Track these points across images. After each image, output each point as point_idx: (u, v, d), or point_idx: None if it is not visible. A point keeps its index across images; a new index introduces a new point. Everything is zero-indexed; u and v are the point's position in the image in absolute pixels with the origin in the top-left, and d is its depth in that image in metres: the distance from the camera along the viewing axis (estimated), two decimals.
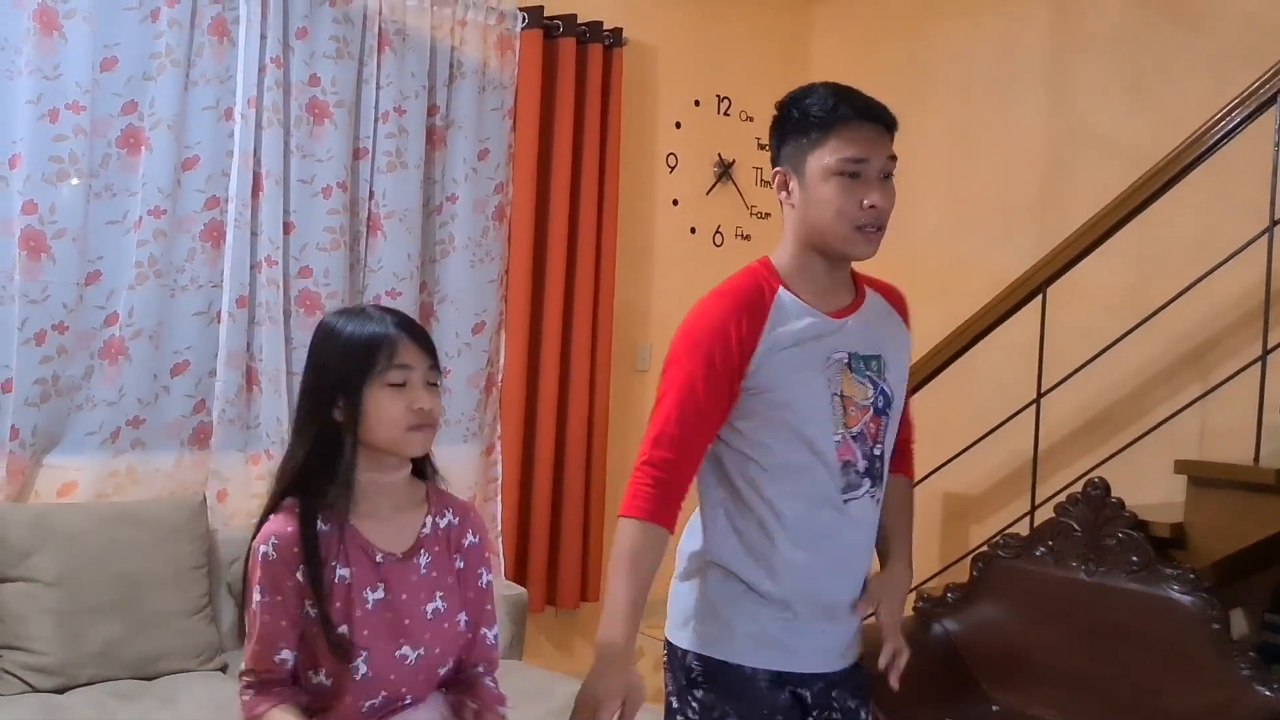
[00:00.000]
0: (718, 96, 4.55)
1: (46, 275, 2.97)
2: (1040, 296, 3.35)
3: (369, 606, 1.54)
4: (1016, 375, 3.64)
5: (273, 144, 3.29)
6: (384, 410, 1.52)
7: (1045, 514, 3.27)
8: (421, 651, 1.57)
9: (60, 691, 2.73)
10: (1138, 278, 3.61)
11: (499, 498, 3.88)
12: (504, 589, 3.47)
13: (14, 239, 2.93)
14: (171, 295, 3.20)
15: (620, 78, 4.09)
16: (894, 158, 1.82)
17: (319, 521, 1.54)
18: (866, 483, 1.82)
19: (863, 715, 1.95)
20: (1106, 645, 3.04)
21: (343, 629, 1.51)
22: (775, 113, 1.86)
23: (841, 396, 1.78)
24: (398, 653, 1.55)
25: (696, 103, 4.48)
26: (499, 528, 3.88)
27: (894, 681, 1.93)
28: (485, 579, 1.69)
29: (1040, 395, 3.39)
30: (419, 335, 1.58)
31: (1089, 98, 3.97)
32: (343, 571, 1.53)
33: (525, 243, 3.86)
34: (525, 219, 3.86)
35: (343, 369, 1.53)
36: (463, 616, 1.63)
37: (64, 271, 3.00)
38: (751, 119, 4.66)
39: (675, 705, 1.86)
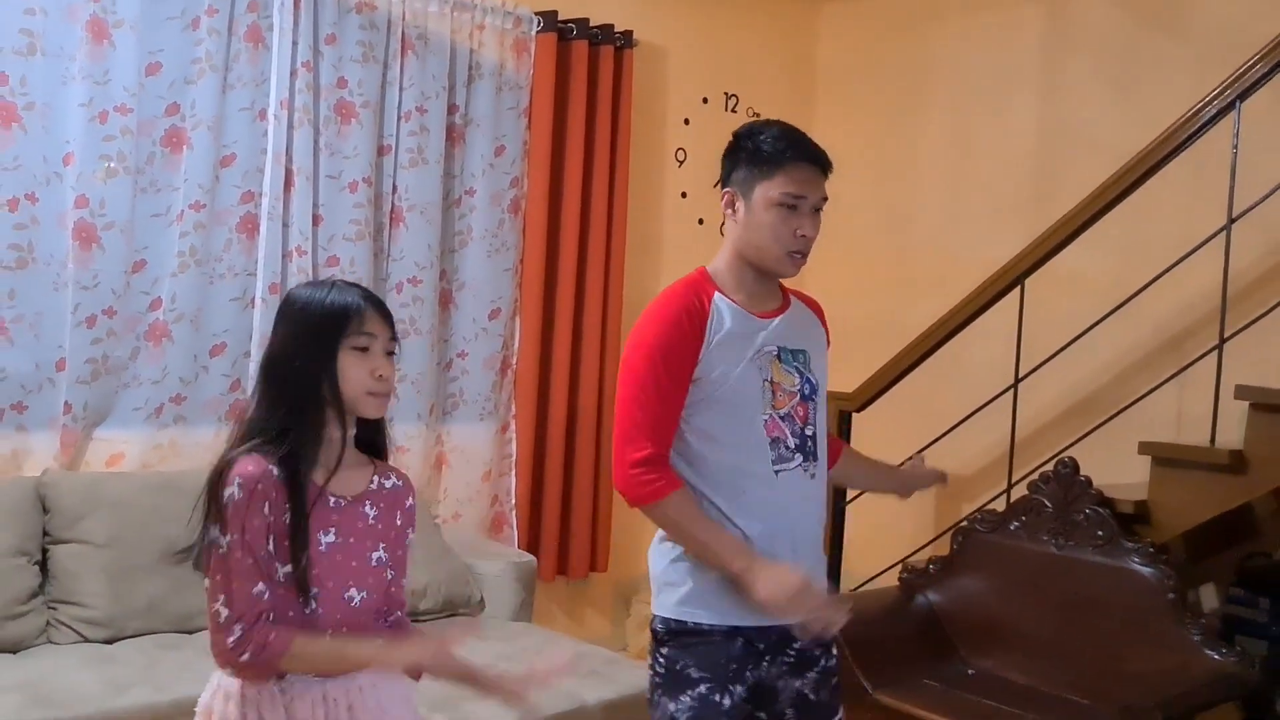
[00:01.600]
0: (725, 94, 4.76)
1: (97, 264, 3.24)
2: (1019, 287, 3.55)
3: (321, 548, 1.68)
4: (1008, 361, 3.83)
5: (303, 142, 3.54)
6: (348, 372, 1.67)
7: (1021, 492, 3.48)
8: (365, 595, 1.72)
9: (109, 642, 3.00)
10: (1121, 269, 3.79)
11: (513, 473, 4.13)
12: (514, 557, 3.72)
13: (67, 231, 3.20)
14: (210, 282, 3.46)
15: (631, 77, 4.31)
16: (826, 198, 2.10)
17: (282, 466, 1.65)
18: (798, 457, 2.07)
19: (824, 661, 2.16)
20: (1074, 613, 3.25)
21: (302, 568, 1.62)
22: (731, 140, 2.12)
23: (771, 382, 2.05)
24: (345, 594, 1.70)
25: (705, 100, 4.70)
26: (513, 501, 4.14)
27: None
28: (411, 538, 1.85)
29: (1018, 380, 3.60)
30: (381, 308, 1.74)
31: (1079, 98, 4.15)
32: (287, 517, 1.64)
33: (539, 234, 4.10)
34: (539, 211, 4.09)
35: (317, 333, 1.67)
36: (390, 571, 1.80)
37: (113, 260, 3.27)
38: (758, 115, 4.85)
39: (650, 663, 2.11)
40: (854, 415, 3.94)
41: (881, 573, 3.98)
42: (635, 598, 4.44)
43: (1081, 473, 3.29)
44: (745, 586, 1.94)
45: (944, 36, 4.61)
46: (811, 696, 2.15)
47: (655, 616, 2.10)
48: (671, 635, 2.05)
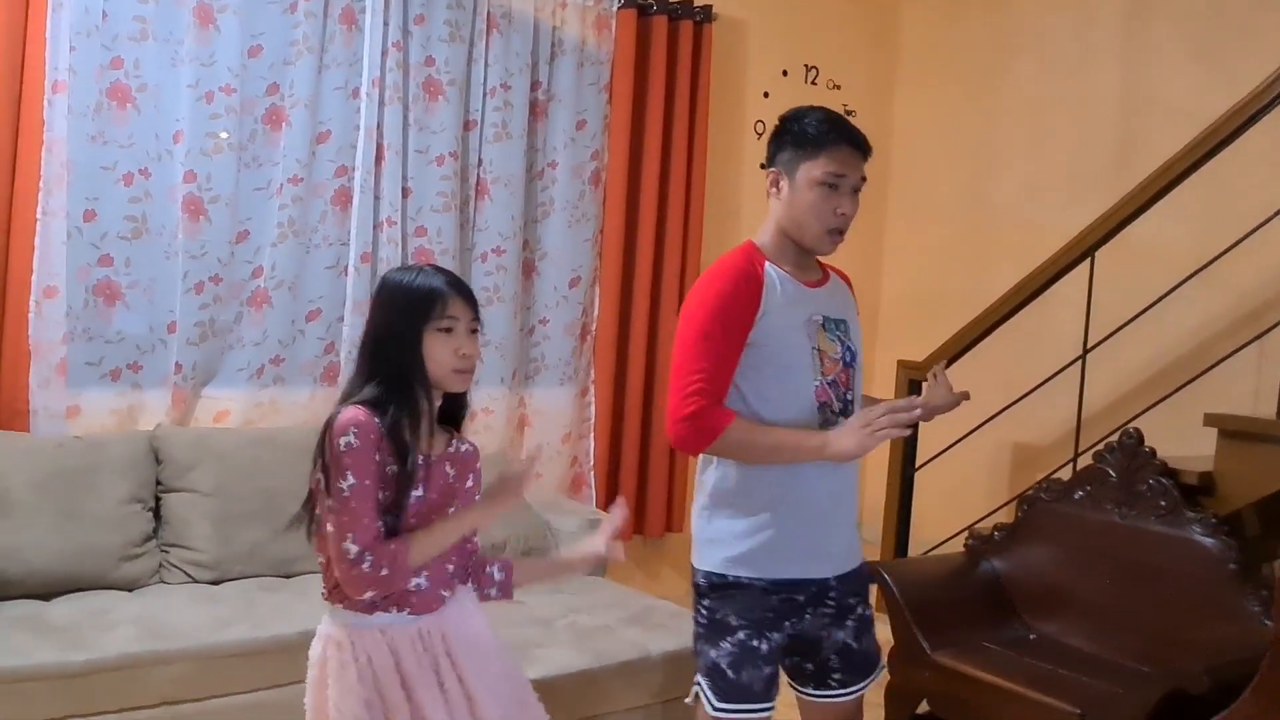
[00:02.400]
0: (805, 66, 4.82)
1: (204, 235, 3.49)
2: (1090, 259, 3.56)
3: (411, 500, 1.85)
4: (1079, 332, 3.84)
5: (393, 119, 3.74)
6: (433, 352, 1.85)
7: (1088, 462, 3.51)
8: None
9: (215, 583, 3.26)
10: (1198, 238, 3.75)
11: (592, 435, 4.31)
12: (590, 515, 3.90)
13: (177, 204, 3.45)
14: (307, 252, 3.69)
15: (710, 51, 4.40)
16: (864, 179, 2.20)
17: (390, 422, 1.82)
18: (841, 420, 2.18)
19: (859, 610, 2.30)
20: (1135, 581, 3.28)
21: (399, 516, 1.81)
22: (777, 123, 2.23)
23: (818, 350, 2.17)
24: None
25: (784, 73, 4.76)
26: (592, 463, 4.31)
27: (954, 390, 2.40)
28: (478, 499, 2.00)
29: (1086, 351, 3.62)
30: (465, 291, 1.90)
31: (1161, 66, 4.11)
32: (392, 467, 1.82)
33: (618, 205, 4.24)
34: (619, 183, 4.23)
35: (406, 315, 1.85)
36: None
37: (218, 231, 3.51)
38: (839, 87, 4.91)
39: (693, 615, 2.26)
40: (923, 384, 3.99)
41: (948, 539, 4.05)
42: None
43: (1147, 444, 3.31)
44: (834, 458, 2.09)
45: (1025, 4, 4.59)
46: (854, 645, 2.29)
47: (697, 571, 2.23)
48: (713, 588, 2.19)
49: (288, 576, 3.36)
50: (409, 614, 1.88)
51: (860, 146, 2.18)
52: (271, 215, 3.61)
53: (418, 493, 1.86)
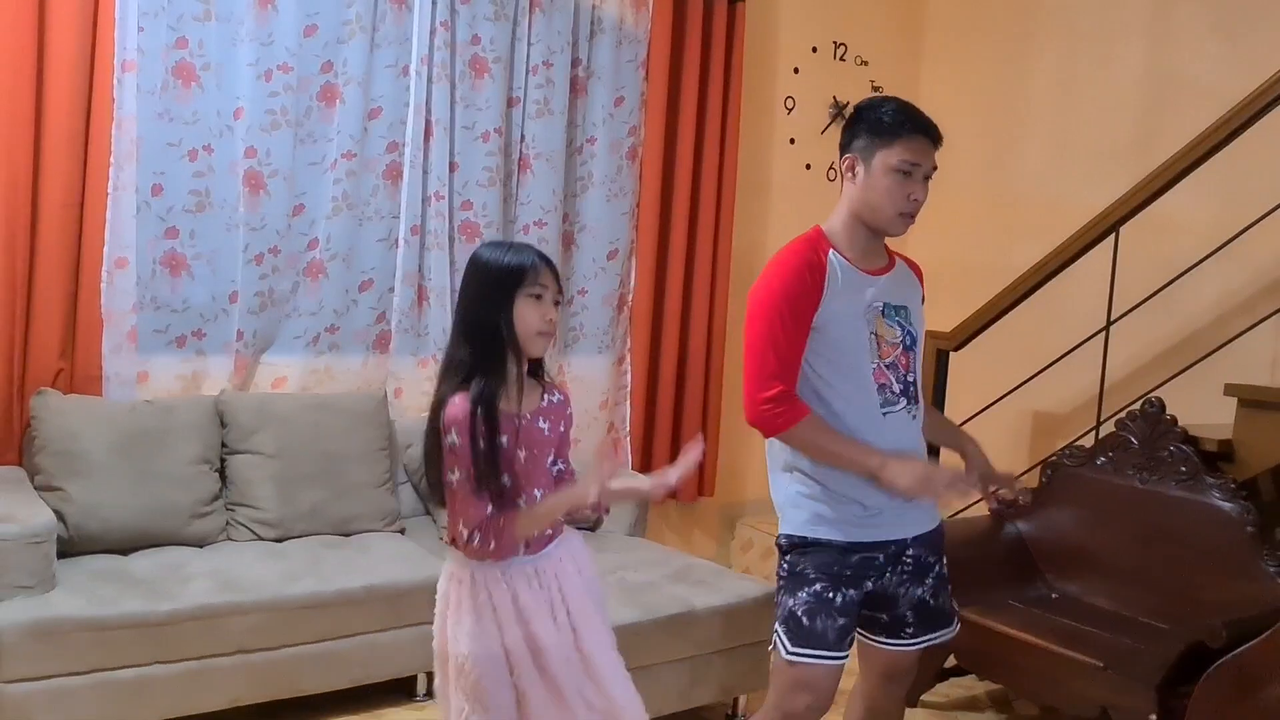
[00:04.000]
0: (834, 43, 4.93)
1: (263, 208, 3.64)
2: (1115, 234, 3.69)
3: (520, 463, 2.05)
4: (1103, 305, 3.96)
5: (441, 96, 3.87)
6: (524, 315, 2.02)
7: (1110, 429, 3.66)
8: (542, 494, 2.08)
9: (279, 541, 3.43)
10: (1221, 215, 3.87)
11: (628, 402, 4.46)
12: (629, 478, 4.05)
13: (238, 178, 3.59)
14: (360, 224, 3.83)
15: (743, 29, 4.52)
16: (935, 167, 2.32)
17: (481, 401, 1.99)
18: (903, 401, 2.33)
19: (937, 568, 2.45)
20: (1155, 544, 3.44)
21: (506, 479, 2.02)
22: (854, 112, 2.35)
23: (876, 335, 2.30)
24: (535, 493, 2.06)
25: (814, 49, 4.87)
26: (627, 428, 4.47)
27: (1018, 495, 2.57)
28: (571, 436, 2.23)
29: (1109, 323, 3.76)
30: (551, 266, 2.08)
31: (1186, 46, 4.21)
32: (501, 439, 2.00)
33: (655, 179, 4.37)
34: (655, 158, 4.36)
35: (500, 284, 2.02)
36: (559, 464, 2.19)
37: (277, 204, 3.66)
38: (866, 63, 5.02)
39: (778, 568, 2.40)
40: (951, 354, 4.14)
41: (974, 503, 4.20)
42: (740, 521, 4.74)
43: (1168, 412, 3.45)
44: (884, 481, 2.22)
45: None
46: (931, 601, 2.43)
47: (781, 534, 2.37)
48: (794, 547, 2.34)
49: (346, 535, 3.53)
50: (525, 554, 2.07)
51: (932, 135, 2.30)
52: (326, 189, 3.75)
53: (521, 451, 2.02)
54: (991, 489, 2.52)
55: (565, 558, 2.13)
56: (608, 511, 2.29)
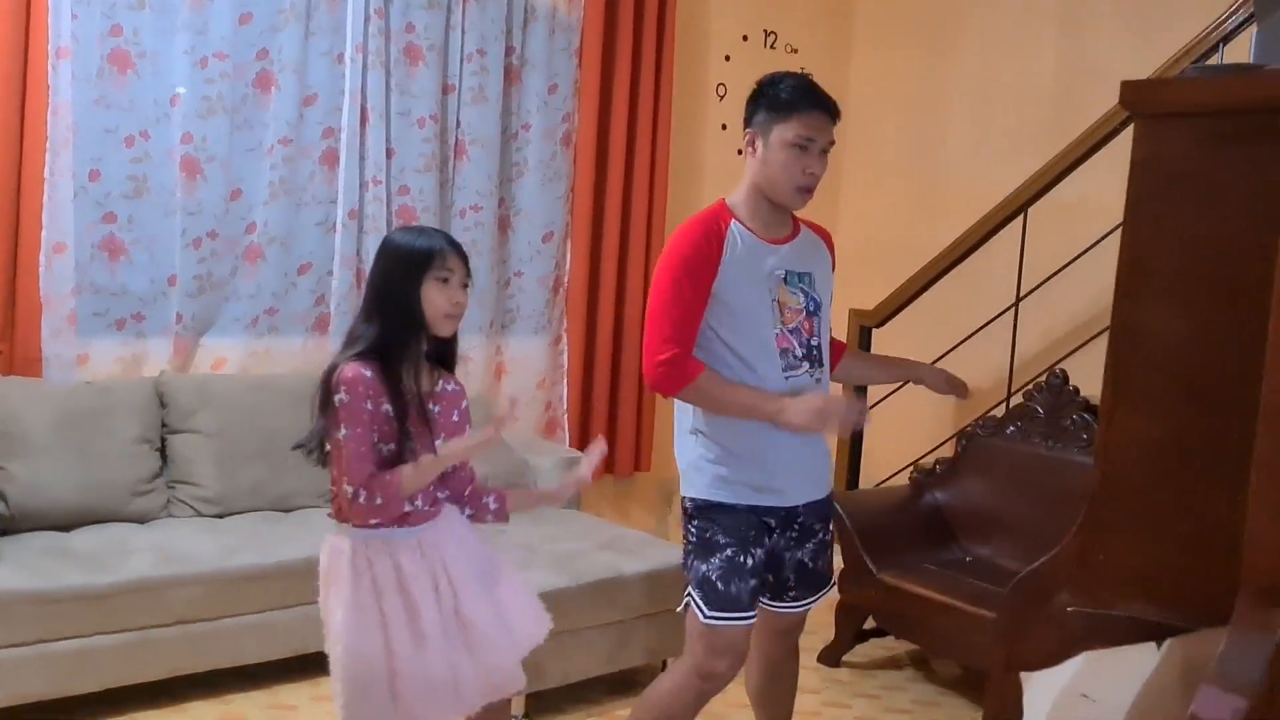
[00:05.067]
0: (764, 31, 5.07)
1: (200, 193, 3.71)
2: (1023, 214, 3.87)
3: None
4: (1014, 283, 4.15)
5: (376, 83, 3.96)
6: (431, 298, 2.12)
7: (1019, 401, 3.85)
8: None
9: (220, 517, 3.52)
10: (1123, 195, 4.06)
11: (565, 381, 4.59)
12: (564, 453, 4.19)
13: (175, 164, 3.67)
14: (297, 209, 3.92)
15: (674, 18, 4.64)
16: (833, 141, 2.41)
17: (380, 371, 2.08)
18: (805, 365, 2.44)
19: (822, 535, 2.58)
20: (1061, 507, 3.57)
21: (408, 444, 2.07)
22: (755, 88, 2.45)
23: (778, 302, 2.42)
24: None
25: (745, 38, 5.01)
26: (565, 406, 4.60)
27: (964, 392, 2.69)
28: (468, 431, 2.26)
29: (1018, 300, 3.95)
30: (459, 250, 2.18)
31: (1098, 36, 4.41)
32: (387, 407, 2.09)
33: (589, 164, 4.50)
34: (589, 144, 4.48)
35: (409, 267, 2.11)
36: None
37: (214, 190, 3.74)
38: (796, 50, 5.17)
39: (684, 534, 2.52)
40: (874, 330, 4.31)
41: (895, 474, 4.38)
42: (676, 495, 4.88)
43: (1071, 383, 3.64)
44: (783, 422, 2.33)
45: None
46: (810, 564, 2.56)
47: (685, 497, 2.49)
48: (700, 511, 2.45)
49: (287, 511, 3.63)
50: (409, 527, 2.14)
51: (829, 111, 2.38)
52: (263, 175, 3.83)
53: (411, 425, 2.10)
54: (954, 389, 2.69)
55: (446, 530, 2.19)
56: (506, 519, 2.35)
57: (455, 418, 2.24)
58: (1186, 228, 1.95)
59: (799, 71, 2.49)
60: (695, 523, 2.47)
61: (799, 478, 2.48)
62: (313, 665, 3.37)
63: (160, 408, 3.57)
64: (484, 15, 4.21)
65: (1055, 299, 4.15)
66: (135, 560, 3.09)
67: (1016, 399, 3.93)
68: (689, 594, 2.48)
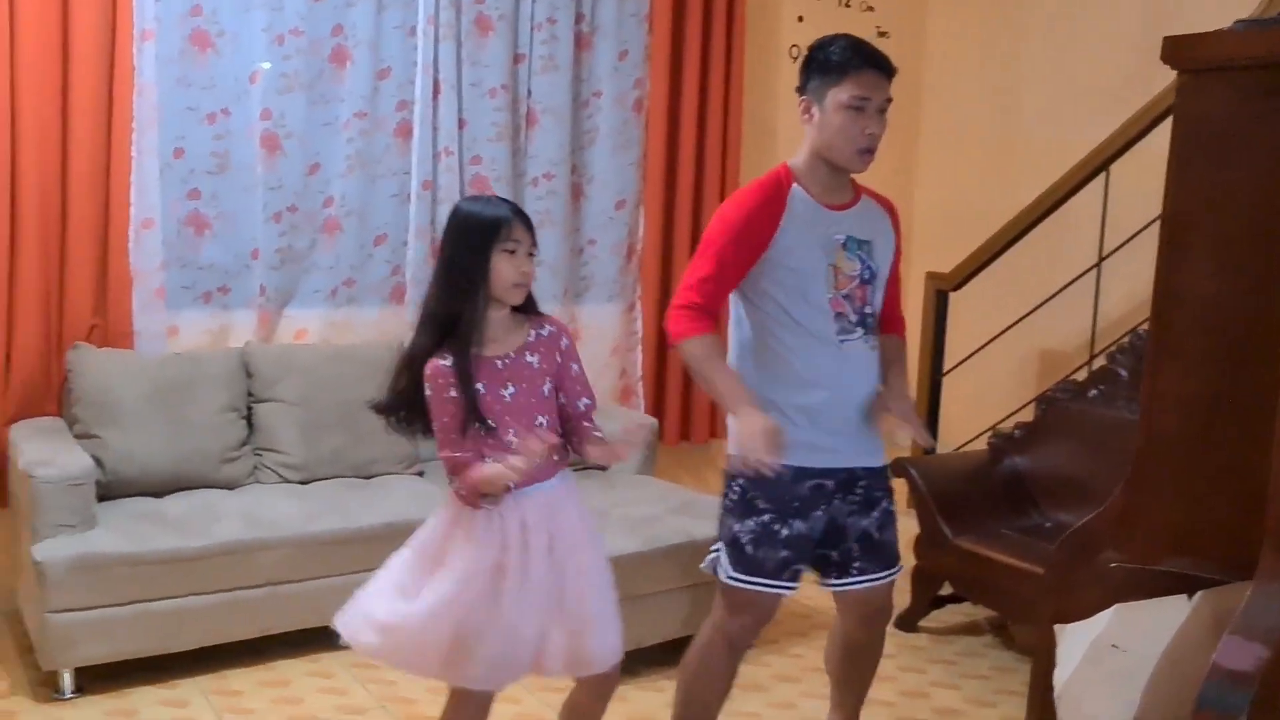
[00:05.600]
0: None
1: (280, 168, 3.80)
2: (1105, 173, 3.76)
3: (507, 399, 2.19)
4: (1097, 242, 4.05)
5: (448, 55, 4.01)
6: (499, 269, 2.15)
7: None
8: (547, 419, 2.23)
9: (304, 483, 3.63)
10: None
11: (639, 348, 4.62)
12: (640, 420, 4.22)
13: (255, 140, 3.76)
14: (373, 182, 3.99)
15: None
16: (890, 99, 2.37)
17: (455, 354, 2.14)
18: (859, 330, 2.42)
19: (884, 504, 2.53)
20: None
21: (491, 421, 2.15)
22: (806, 54, 2.42)
23: (834, 267, 2.39)
24: (535, 422, 2.21)
25: None
26: (639, 373, 4.63)
27: (923, 437, 2.52)
28: (574, 369, 2.30)
29: (1101, 260, 3.84)
30: (525, 220, 2.20)
31: None
32: (478, 385, 2.16)
33: (660, 130, 4.49)
34: (660, 110, 4.48)
35: (477, 238, 2.15)
36: (561, 397, 2.28)
37: (293, 164, 3.82)
38: (872, 9, 5.07)
39: (724, 493, 2.51)
40: (950, 294, 4.24)
41: (973, 439, 4.33)
42: None
43: None
44: (735, 421, 2.29)
45: None
46: (875, 534, 2.51)
47: (729, 456, 2.43)
48: (744, 473, 2.40)
49: (368, 478, 3.73)
50: (536, 484, 2.20)
51: (883, 68, 2.35)
52: (340, 148, 3.91)
53: (509, 390, 2.18)
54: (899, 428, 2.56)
55: (565, 495, 2.25)
56: (566, 463, 2.36)
57: (558, 358, 2.27)
58: (1229, 183, 1.90)
59: (875, 31, 2.43)
60: (739, 481, 2.44)
61: (851, 437, 2.46)
62: None
63: (246, 377, 3.68)
64: None
65: (1140, 258, 4.02)
66: (224, 524, 3.21)
67: (1099, 362, 3.84)
68: (716, 549, 2.49)
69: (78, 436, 3.35)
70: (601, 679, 2.33)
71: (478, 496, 2.16)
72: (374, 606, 2.23)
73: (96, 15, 3.41)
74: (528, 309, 2.29)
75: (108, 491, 3.30)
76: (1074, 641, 2.11)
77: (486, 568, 2.16)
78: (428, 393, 2.15)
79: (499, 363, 2.20)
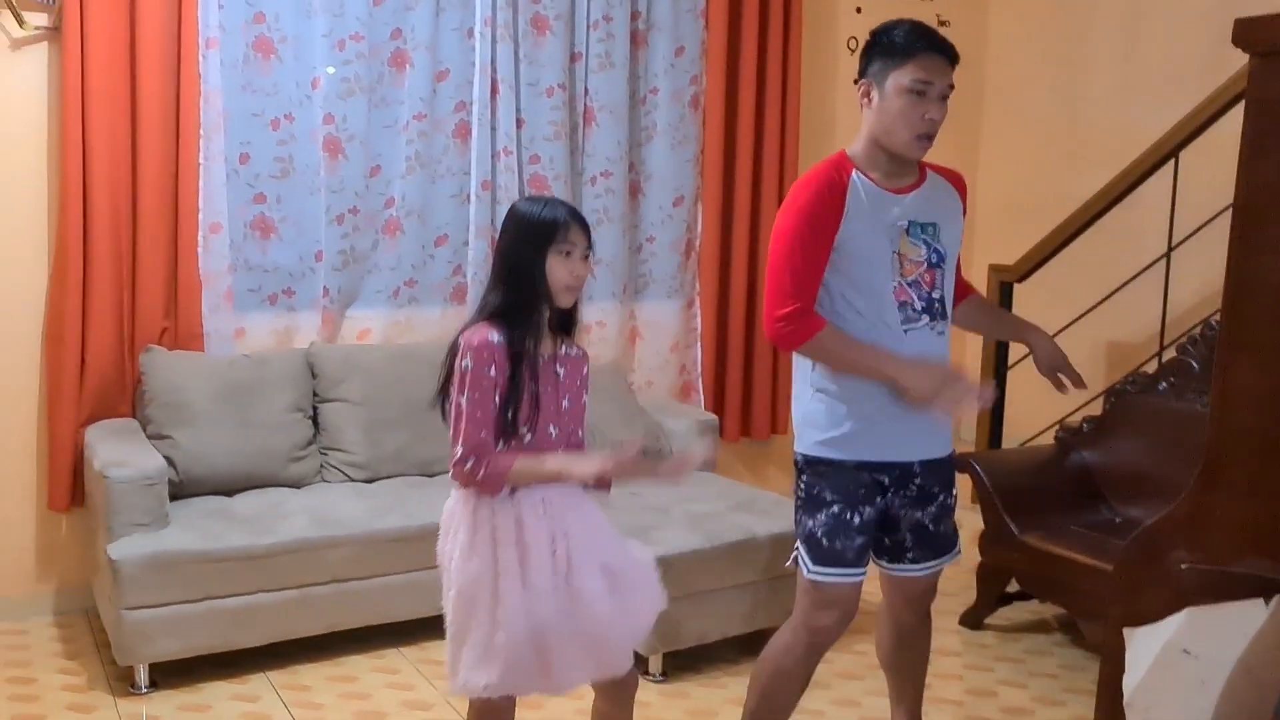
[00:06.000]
0: None
1: (342, 171, 3.86)
2: (1174, 160, 3.67)
3: (527, 395, 2.15)
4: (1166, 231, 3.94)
5: (505, 55, 4.03)
6: (554, 270, 2.15)
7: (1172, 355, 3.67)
8: (558, 431, 2.22)
9: (369, 482, 3.68)
10: None
11: (699, 344, 4.61)
12: (699, 415, 4.21)
13: (318, 144, 3.82)
14: (433, 182, 4.03)
15: None
16: (952, 85, 2.33)
17: (508, 337, 2.12)
18: (925, 318, 2.39)
19: (944, 498, 2.51)
20: None
21: (527, 414, 2.12)
22: (868, 37, 2.39)
23: (898, 254, 2.36)
24: (548, 429, 2.20)
25: None
26: (699, 370, 4.62)
27: (1078, 383, 2.57)
28: (585, 398, 2.30)
29: (1170, 249, 3.75)
30: (582, 222, 2.19)
31: None
32: (524, 373, 2.12)
33: (718, 126, 4.47)
34: (717, 106, 4.46)
35: (533, 239, 2.15)
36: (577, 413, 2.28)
37: (354, 167, 3.88)
38: None
39: (795, 487, 2.51)
40: (1015, 286, 4.17)
41: (1040, 433, 4.25)
42: None
43: None
44: (900, 388, 2.31)
45: None
46: (930, 527, 2.49)
47: (797, 452, 2.48)
48: (810, 466, 2.44)
49: (430, 476, 3.77)
50: (535, 486, 2.18)
51: (947, 54, 2.31)
52: (400, 150, 3.95)
53: (534, 387, 2.17)
54: (1058, 376, 2.57)
55: (571, 498, 2.21)
56: (608, 488, 2.35)
57: (578, 382, 2.28)
58: None
59: (936, 19, 2.39)
60: (805, 477, 2.46)
61: (915, 433, 2.43)
62: None
63: (311, 378, 3.75)
64: None
65: (1211, 247, 3.91)
66: (292, 522, 3.27)
67: (1169, 354, 3.75)
68: (796, 548, 2.49)
69: (150, 437, 3.43)
70: (618, 685, 2.30)
71: (502, 484, 2.12)
72: (454, 655, 2.21)
73: (162, 25, 3.49)
74: (568, 329, 2.28)
75: (179, 490, 3.38)
76: (1144, 645, 2.06)
77: (483, 566, 2.14)
78: (465, 364, 2.09)
79: (536, 360, 2.19)
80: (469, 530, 2.16)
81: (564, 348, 2.27)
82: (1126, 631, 2.19)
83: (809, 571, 2.44)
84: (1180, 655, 2.01)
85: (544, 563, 2.15)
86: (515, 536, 2.14)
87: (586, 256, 2.20)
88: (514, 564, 2.13)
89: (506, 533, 2.14)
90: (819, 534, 2.42)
